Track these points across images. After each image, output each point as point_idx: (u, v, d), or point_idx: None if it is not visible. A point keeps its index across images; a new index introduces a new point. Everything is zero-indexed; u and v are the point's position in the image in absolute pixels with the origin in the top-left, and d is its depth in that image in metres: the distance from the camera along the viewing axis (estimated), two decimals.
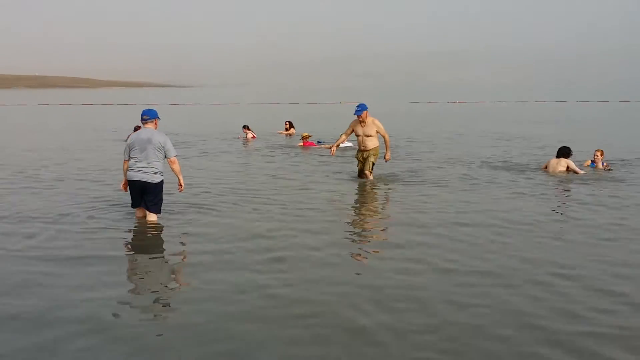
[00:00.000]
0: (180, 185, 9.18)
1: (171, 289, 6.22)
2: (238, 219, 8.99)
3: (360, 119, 12.32)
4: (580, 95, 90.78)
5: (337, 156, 16.97)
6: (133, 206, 9.10)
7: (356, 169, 13.08)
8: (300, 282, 6.19)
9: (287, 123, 25.31)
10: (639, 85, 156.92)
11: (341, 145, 18.57)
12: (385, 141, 12.62)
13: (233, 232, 8.23)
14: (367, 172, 12.48)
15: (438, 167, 14.93)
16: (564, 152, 13.74)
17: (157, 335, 4.97)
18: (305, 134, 20.83)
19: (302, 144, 20.25)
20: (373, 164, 12.60)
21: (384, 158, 12.75)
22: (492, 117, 40.01)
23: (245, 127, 23.69)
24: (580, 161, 14.70)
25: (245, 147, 20.60)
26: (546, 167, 13.97)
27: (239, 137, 23.25)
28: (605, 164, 14.15)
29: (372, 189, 11.91)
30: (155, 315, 5.48)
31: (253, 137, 23.11)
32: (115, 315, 5.36)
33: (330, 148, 18.57)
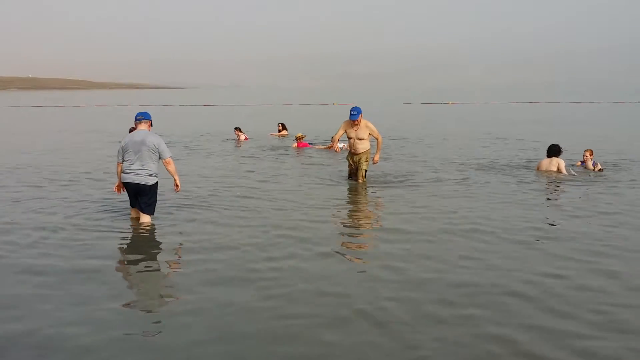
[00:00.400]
0: (177, 185, 9.20)
1: (158, 304, 5.94)
2: (229, 226, 8.82)
3: (355, 123, 12.33)
4: (573, 96, 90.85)
5: (330, 157, 17.02)
6: (131, 205, 9.15)
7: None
8: (287, 295, 5.98)
9: (280, 125, 25.28)
10: (631, 85, 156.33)
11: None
12: (377, 143, 12.63)
13: (223, 238, 8.11)
14: (360, 180, 12.49)
15: (430, 168, 14.93)
16: (555, 151, 13.72)
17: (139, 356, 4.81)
18: (300, 134, 20.77)
19: (296, 144, 20.24)
20: (365, 170, 12.59)
21: (373, 160, 12.72)
22: (484, 117, 40.12)
23: (237, 129, 23.66)
24: (571, 160, 14.71)
25: (237, 148, 20.56)
26: (539, 168, 13.92)
27: (235, 140, 23.19)
28: (596, 164, 14.19)
29: (363, 192, 11.86)
30: (139, 335, 5.19)
31: (245, 138, 23.09)
32: (99, 336, 5.11)
33: (332, 148, 18.64)
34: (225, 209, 9.98)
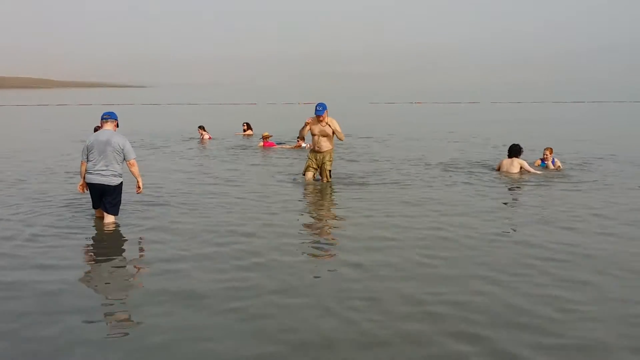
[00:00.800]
0: (139, 187, 9.17)
1: (118, 321, 5.63)
2: (191, 229, 8.65)
3: (320, 119, 12.36)
4: (536, 95, 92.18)
5: (296, 157, 17.03)
6: (94, 207, 9.10)
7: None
8: (248, 309, 5.73)
9: (245, 124, 25.26)
10: (613, 85, 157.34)
11: (302, 145, 18.69)
12: (339, 140, 12.69)
13: (185, 242, 7.95)
14: (324, 180, 12.50)
15: (396, 168, 14.98)
16: (516, 151, 13.90)
17: None
18: (266, 133, 20.74)
19: (262, 144, 20.22)
20: (330, 171, 12.61)
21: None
22: (449, 117, 40.57)
23: (201, 128, 23.51)
24: (531, 160, 14.94)
25: (201, 148, 20.44)
26: (499, 168, 14.10)
27: (199, 140, 23.03)
28: (556, 161, 14.50)
29: (328, 193, 11.84)
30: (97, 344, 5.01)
31: (209, 137, 22.99)
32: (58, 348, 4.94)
33: (299, 147, 18.74)
34: (188, 210, 9.88)
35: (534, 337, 5.10)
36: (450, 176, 13.56)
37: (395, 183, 12.73)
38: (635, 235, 8.46)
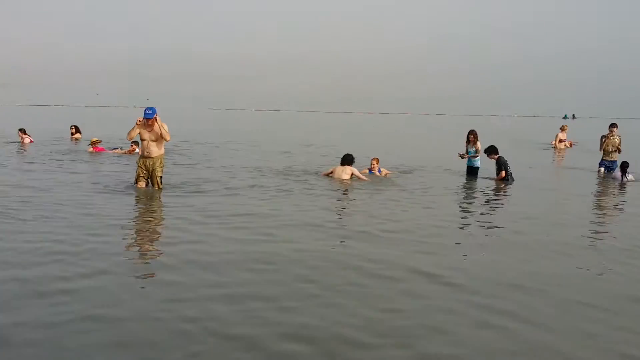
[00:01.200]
0: None
1: None
2: (3, 240, 8.02)
3: (149, 123, 11.92)
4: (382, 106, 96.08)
5: (126, 163, 16.39)
6: None
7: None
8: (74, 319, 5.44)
9: (73, 127, 24.24)
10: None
11: (136, 150, 18.06)
12: (165, 140, 12.27)
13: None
14: (156, 187, 12.13)
15: (231, 176, 14.88)
16: (348, 160, 14.62)
17: None
18: (95, 139, 20.12)
19: (91, 149, 19.46)
20: (161, 177, 12.25)
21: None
22: (287, 125, 41.28)
23: (22, 131, 22.07)
24: (359, 168, 15.58)
25: (21, 153, 19.07)
26: (331, 173, 14.70)
27: (19, 143, 21.44)
28: (382, 170, 15.29)
29: (158, 201, 11.46)
30: None
31: (30, 141, 21.58)
32: None
33: (132, 150, 18.14)
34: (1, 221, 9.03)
35: (354, 352, 5.06)
36: (286, 184, 13.68)
37: (229, 191, 12.58)
38: (444, 244, 8.73)
